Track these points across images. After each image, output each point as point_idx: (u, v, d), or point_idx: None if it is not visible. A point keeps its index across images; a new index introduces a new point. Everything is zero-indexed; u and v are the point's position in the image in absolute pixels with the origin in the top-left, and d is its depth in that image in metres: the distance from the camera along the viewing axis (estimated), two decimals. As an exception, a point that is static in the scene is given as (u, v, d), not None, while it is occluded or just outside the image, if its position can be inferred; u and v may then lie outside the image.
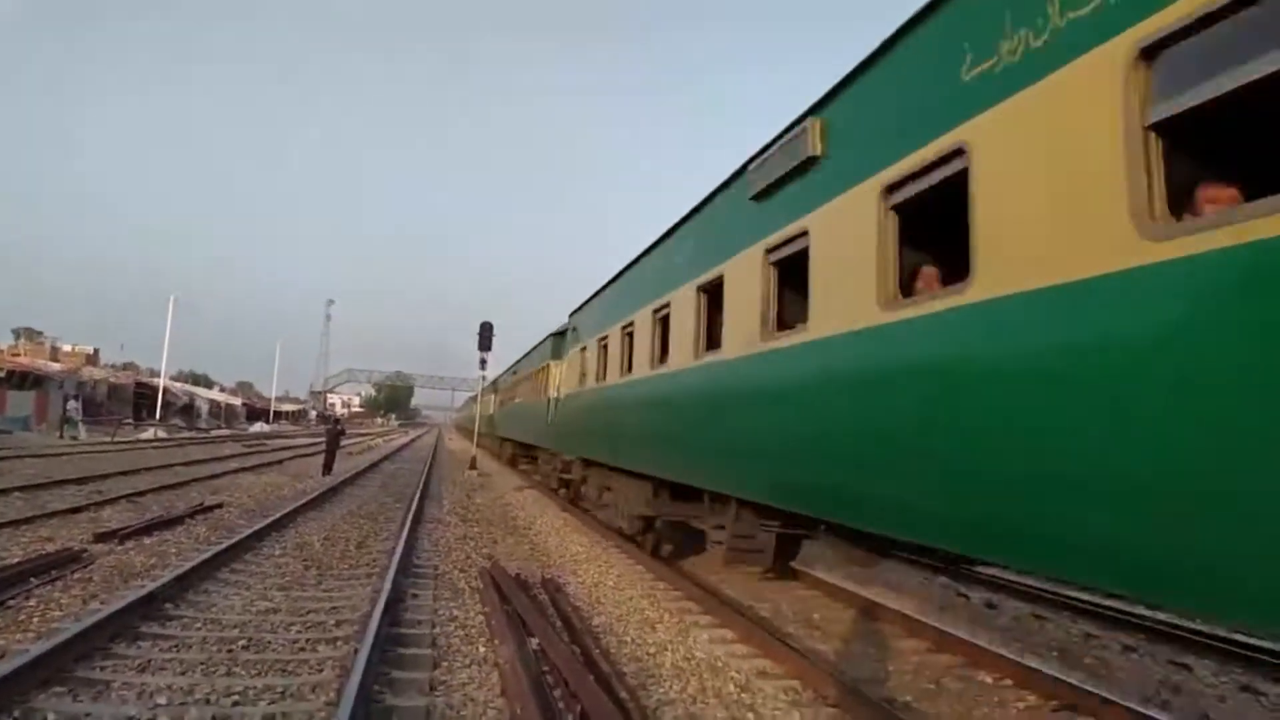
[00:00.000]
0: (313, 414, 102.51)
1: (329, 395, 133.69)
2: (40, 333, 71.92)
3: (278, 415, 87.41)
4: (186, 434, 45.30)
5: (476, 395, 40.08)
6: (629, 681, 5.54)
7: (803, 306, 5.77)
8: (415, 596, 7.67)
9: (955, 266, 4.11)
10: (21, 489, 13.53)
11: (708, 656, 6.25)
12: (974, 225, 3.90)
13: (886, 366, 4.61)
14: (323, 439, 24.50)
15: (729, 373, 7.08)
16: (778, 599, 8.74)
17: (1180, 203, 3.10)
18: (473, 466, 25.91)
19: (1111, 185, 3.11)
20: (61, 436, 33.78)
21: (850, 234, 5.10)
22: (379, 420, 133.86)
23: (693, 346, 8.05)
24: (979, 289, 3.82)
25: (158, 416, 50.29)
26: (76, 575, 7.64)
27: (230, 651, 5.64)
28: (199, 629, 6.20)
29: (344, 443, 30.50)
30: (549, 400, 17.84)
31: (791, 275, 6.21)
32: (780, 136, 6.25)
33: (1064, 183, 3.39)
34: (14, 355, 54.41)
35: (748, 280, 6.79)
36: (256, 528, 10.56)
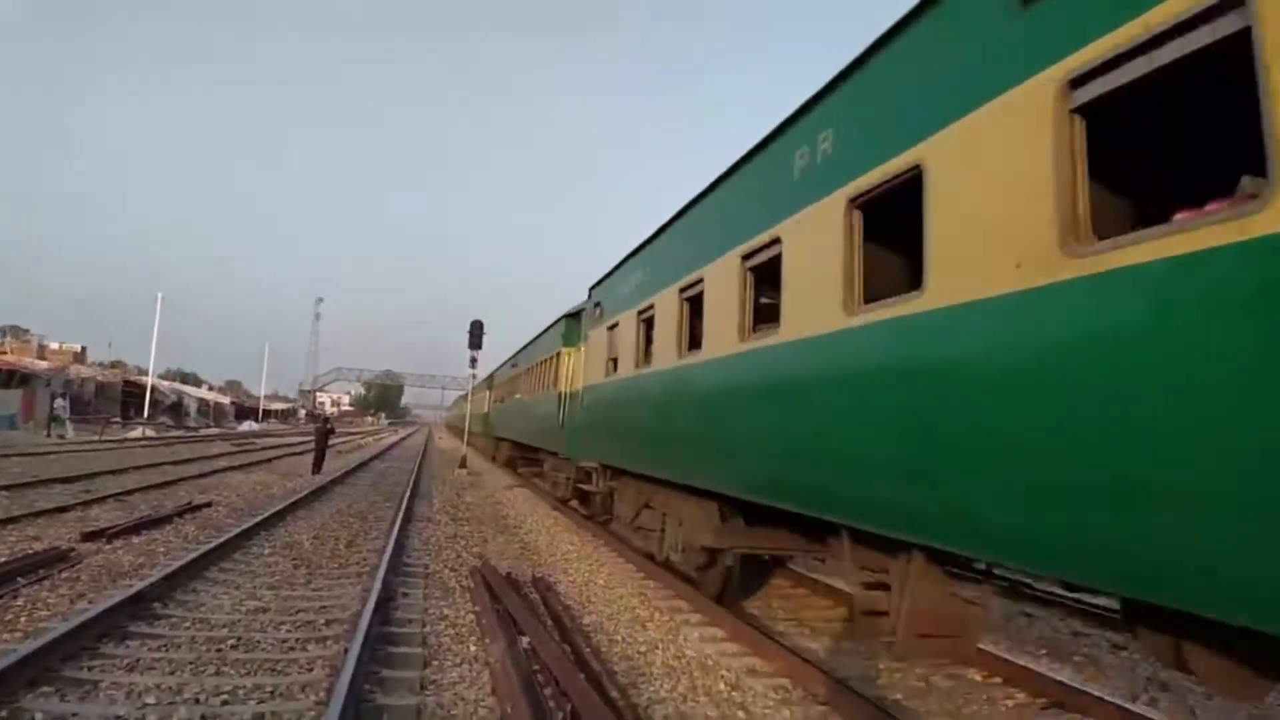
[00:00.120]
0: (302, 413, 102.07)
1: (318, 394, 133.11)
2: (27, 330, 71.35)
3: (267, 414, 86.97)
4: (175, 433, 45.04)
5: (467, 394, 39.49)
6: (620, 680, 5.55)
7: None
8: (406, 595, 7.66)
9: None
10: (8, 488, 13.42)
11: (698, 655, 6.27)
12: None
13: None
14: (312, 438, 24.41)
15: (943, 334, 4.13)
16: (767, 597, 8.76)
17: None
18: (463, 465, 25.88)
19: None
20: (49, 435, 33.52)
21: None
22: (369, 419, 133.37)
23: (833, 302, 5.13)
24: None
25: (145, 415, 49.95)
26: (64, 574, 7.58)
27: (219, 651, 5.61)
28: (188, 628, 6.17)
29: (333, 442, 30.39)
30: (560, 395, 14.97)
31: None
32: None
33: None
34: (0, 353, 53.94)
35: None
36: (245, 527, 10.51)
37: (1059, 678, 5.90)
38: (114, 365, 73.65)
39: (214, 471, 19.80)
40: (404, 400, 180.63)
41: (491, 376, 34.20)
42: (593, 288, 13.08)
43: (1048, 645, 7.27)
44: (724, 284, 7.01)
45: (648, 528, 10.00)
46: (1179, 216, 2.95)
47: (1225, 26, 2.70)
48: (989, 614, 6.32)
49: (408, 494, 15.99)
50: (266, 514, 11.90)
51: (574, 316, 15.19)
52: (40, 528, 9.99)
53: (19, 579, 7.18)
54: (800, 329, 5.62)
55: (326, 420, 25.63)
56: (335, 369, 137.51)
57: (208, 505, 13.27)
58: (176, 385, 73.21)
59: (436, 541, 11.08)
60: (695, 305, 7.83)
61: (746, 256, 6.63)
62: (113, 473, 17.57)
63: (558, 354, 16.01)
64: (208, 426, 59.02)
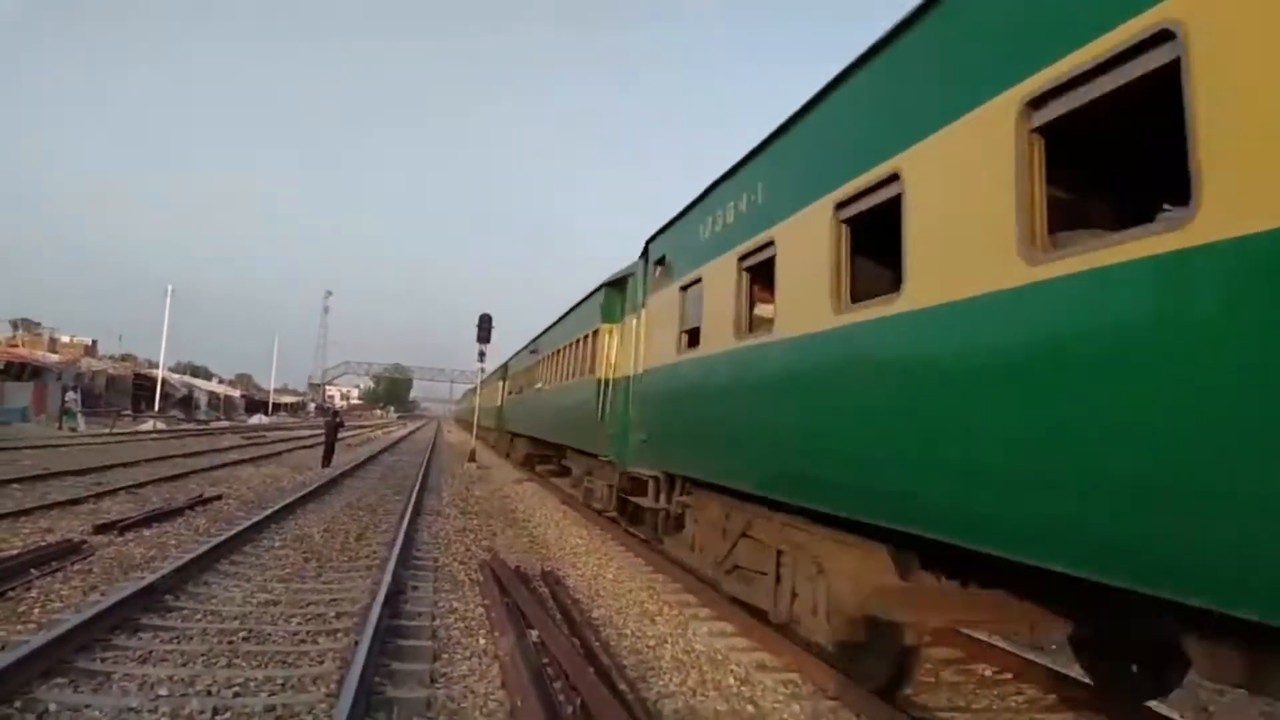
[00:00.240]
0: (311, 406, 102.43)
1: (328, 387, 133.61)
2: (38, 324, 71.55)
3: (276, 407, 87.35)
4: (186, 426, 45.32)
5: (476, 387, 38.98)
6: (629, 674, 5.56)
7: None
8: (415, 589, 7.68)
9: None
10: (20, 480, 13.54)
11: (707, 649, 6.27)
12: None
13: None
14: (321, 431, 24.52)
15: None
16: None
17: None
18: (472, 459, 25.94)
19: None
20: (60, 428, 33.78)
21: None
22: (378, 412, 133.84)
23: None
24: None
25: (156, 408, 50.26)
26: (76, 566, 7.64)
27: (231, 643, 5.64)
28: (199, 620, 6.21)
29: (342, 435, 30.50)
30: (600, 383, 12.04)
31: None
32: None
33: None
34: (12, 346, 54.26)
35: None
36: (256, 519, 10.57)
37: (1069, 673, 5.87)
38: (125, 358, 74.01)
39: (224, 465, 19.92)
40: (413, 394, 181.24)
41: (505, 366, 31.99)
42: (651, 240, 9.98)
43: (1057, 640, 7.23)
44: (958, 175, 4.09)
45: (750, 569, 6.91)
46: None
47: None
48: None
49: (417, 488, 16.02)
50: (277, 507, 11.95)
51: (617, 285, 12.03)
52: (53, 520, 10.07)
53: (32, 571, 7.23)
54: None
55: (336, 414, 25.74)
56: (344, 362, 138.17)
57: (218, 498, 13.34)
58: (187, 378, 73.54)
59: (445, 535, 11.11)
60: (874, 226, 5.01)
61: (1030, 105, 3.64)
62: (124, 465, 17.70)
63: (594, 333, 13.16)
64: (218, 420, 59.34)
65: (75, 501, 11.65)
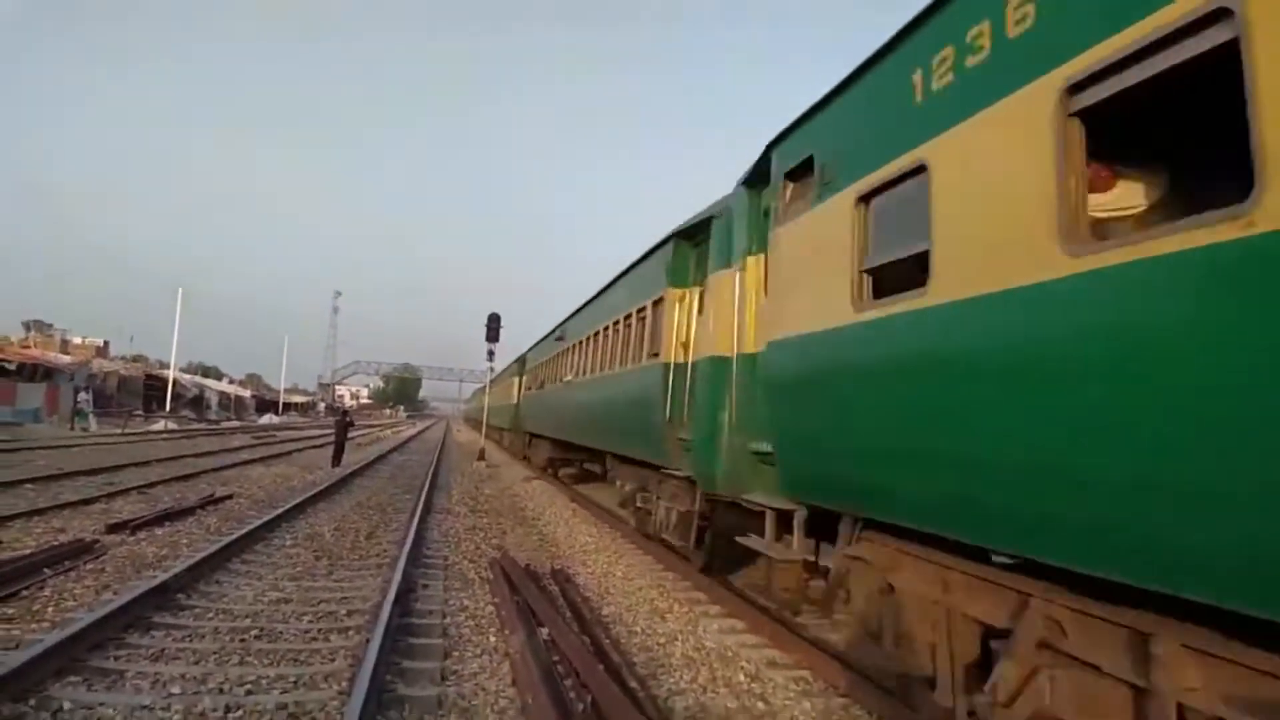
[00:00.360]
0: (321, 406, 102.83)
1: (337, 387, 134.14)
2: (50, 325, 72.16)
3: (287, 407, 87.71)
4: (196, 426, 45.54)
5: (485, 386, 38.48)
6: (639, 671, 5.55)
7: None
8: (425, 587, 7.69)
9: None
10: (34, 480, 13.62)
11: (718, 646, 6.25)
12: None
13: None
14: (331, 431, 24.59)
15: None
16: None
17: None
18: (481, 458, 25.98)
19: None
20: (72, 428, 33.97)
21: None
22: (387, 412, 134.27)
23: None
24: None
25: (168, 408, 50.56)
26: (89, 566, 7.68)
27: (243, 641, 5.66)
28: (211, 619, 6.24)
29: (352, 434, 30.60)
30: (667, 370, 8.94)
31: None
32: None
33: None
34: (25, 348, 54.66)
35: None
36: (267, 518, 10.60)
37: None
38: (136, 359, 74.51)
39: (235, 464, 20.00)
40: (422, 393, 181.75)
41: (523, 359, 28.57)
42: (781, 140, 6.53)
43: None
44: None
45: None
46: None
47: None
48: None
49: (426, 486, 16.06)
50: (287, 506, 11.99)
51: (693, 233, 9.01)
52: (65, 519, 10.13)
53: (46, 570, 7.27)
54: None
55: (345, 413, 25.81)
56: (354, 362, 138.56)
57: (230, 497, 13.40)
58: (198, 379, 73.97)
59: (455, 533, 11.13)
60: None
61: None
62: (136, 465, 17.78)
63: (654, 304, 10.15)
64: (229, 419, 59.62)
65: (88, 501, 11.71)
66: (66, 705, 4.32)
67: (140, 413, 47.53)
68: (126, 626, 5.73)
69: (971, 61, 4.05)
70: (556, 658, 5.51)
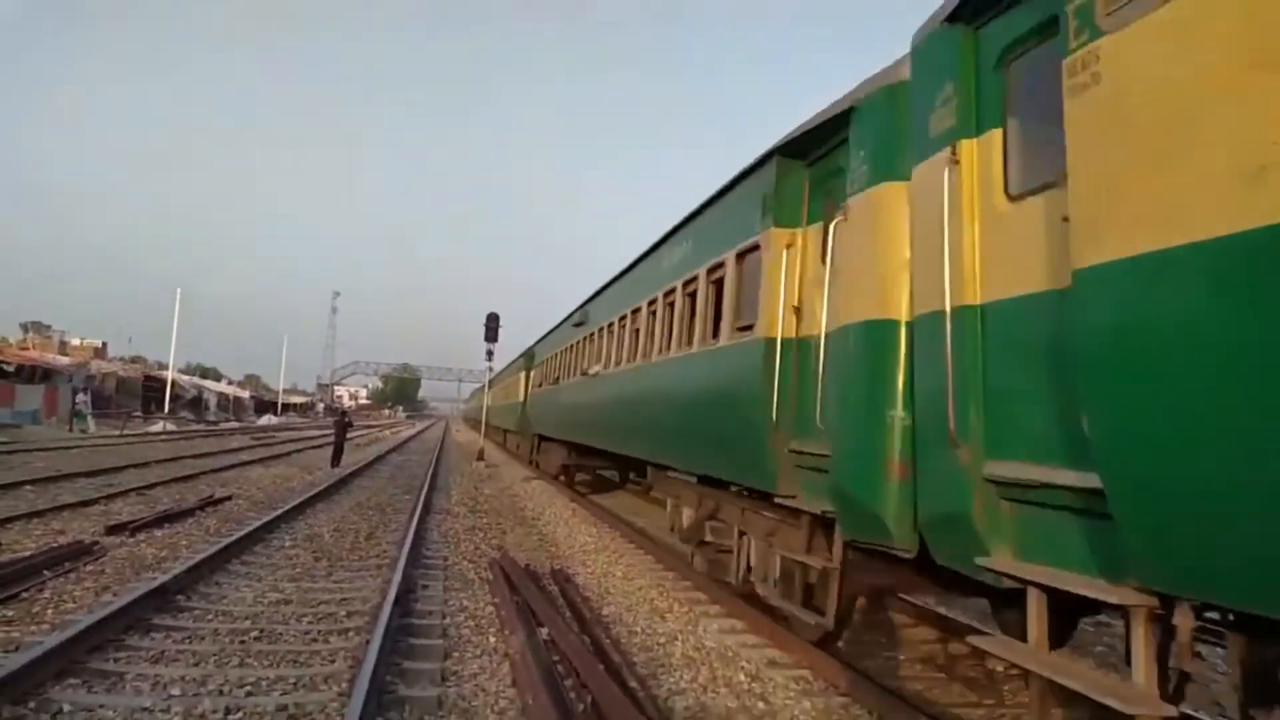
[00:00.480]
0: (320, 406, 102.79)
1: (336, 388, 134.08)
2: (48, 326, 72.09)
3: (285, 408, 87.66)
4: (195, 427, 45.52)
5: (484, 385, 38.24)
6: (639, 671, 5.56)
7: None
8: (425, 587, 7.69)
9: None
10: (33, 482, 13.62)
11: (718, 646, 6.25)
12: None
13: None
14: (330, 431, 24.58)
15: None
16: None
17: None
18: (480, 458, 25.98)
19: None
20: (71, 430, 33.95)
21: None
22: (386, 412, 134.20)
23: None
24: None
25: (166, 409, 50.53)
26: (89, 567, 7.68)
27: (242, 642, 5.66)
28: (211, 620, 6.23)
29: (351, 435, 30.59)
30: (771, 351, 6.26)
31: None
32: None
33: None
34: (23, 349, 54.60)
35: None
36: (266, 519, 10.60)
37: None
38: (134, 360, 74.42)
39: (234, 465, 20.00)
40: (421, 393, 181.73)
41: (531, 353, 25.84)
42: None
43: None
44: None
45: None
46: None
47: None
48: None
49: (426, 487, 16.07)
50: (287, 507, 11.99)
51: (804, 152, 6.47)
52: (65, 521, 10.12)
53: (45, 572, 7.27)
54: None
55: (344, 414, 25.83)
56: (352, 363, 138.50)
57: (229, 499, 13.39)
58: (196, 380, 73.99)
59: (455, 534, 11.13)
60: None
61: None
62: (135, 467, 17.78)
63: (745, 252, 7.28)
64: (227, 420, 59.62)
65: (87, 503, 11.70)
66: (66, 707, 4.32)
67: (139, 414, 47.48)
68: (126, 628, 5.72)
69: None
70: (556, 658, 5.51)
